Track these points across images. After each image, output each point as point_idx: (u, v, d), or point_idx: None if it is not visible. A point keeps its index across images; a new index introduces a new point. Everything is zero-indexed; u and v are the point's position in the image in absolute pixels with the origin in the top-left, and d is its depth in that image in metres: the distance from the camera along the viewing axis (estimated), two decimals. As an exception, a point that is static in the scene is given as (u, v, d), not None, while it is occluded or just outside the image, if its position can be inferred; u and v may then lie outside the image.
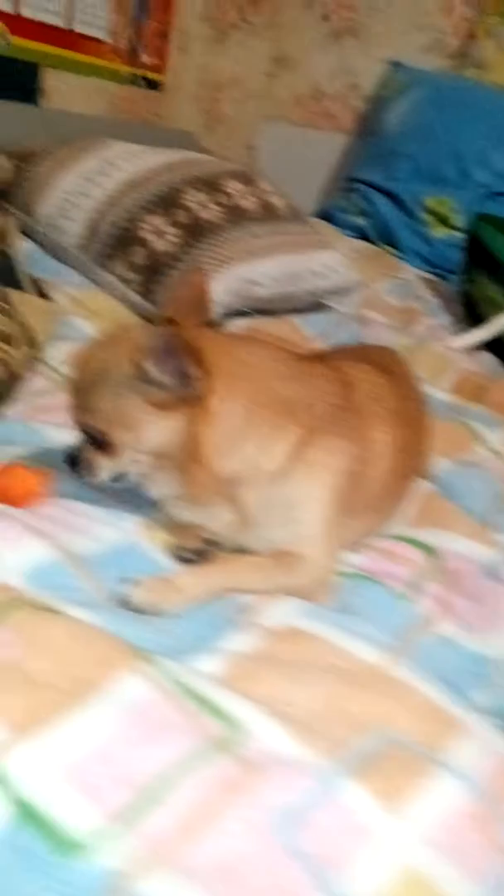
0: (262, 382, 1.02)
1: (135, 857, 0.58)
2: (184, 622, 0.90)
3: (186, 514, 1.06)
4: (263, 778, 0.65)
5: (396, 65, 3.36)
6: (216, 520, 1.05)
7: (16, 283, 1.45)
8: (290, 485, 1.02)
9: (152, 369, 0.95)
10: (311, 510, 1.03)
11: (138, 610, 0.90)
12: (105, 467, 1.03)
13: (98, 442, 1.01)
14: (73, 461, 1.05)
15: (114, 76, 3.05)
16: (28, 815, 0.60)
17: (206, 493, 1.03)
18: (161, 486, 1.05)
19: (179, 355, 0.93)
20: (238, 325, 1.98)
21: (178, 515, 1.06)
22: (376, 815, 0.66)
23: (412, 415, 1.25)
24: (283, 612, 0.93)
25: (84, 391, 1.01)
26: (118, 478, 1.04)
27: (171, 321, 0.95)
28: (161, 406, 0.97)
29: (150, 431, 0.99)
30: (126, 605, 0.90)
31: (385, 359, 1.37)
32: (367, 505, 1.13)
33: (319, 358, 1.33)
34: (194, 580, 0.95)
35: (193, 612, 0.92)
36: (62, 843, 0.59)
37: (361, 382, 1.16)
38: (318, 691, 0.78)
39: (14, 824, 0.60)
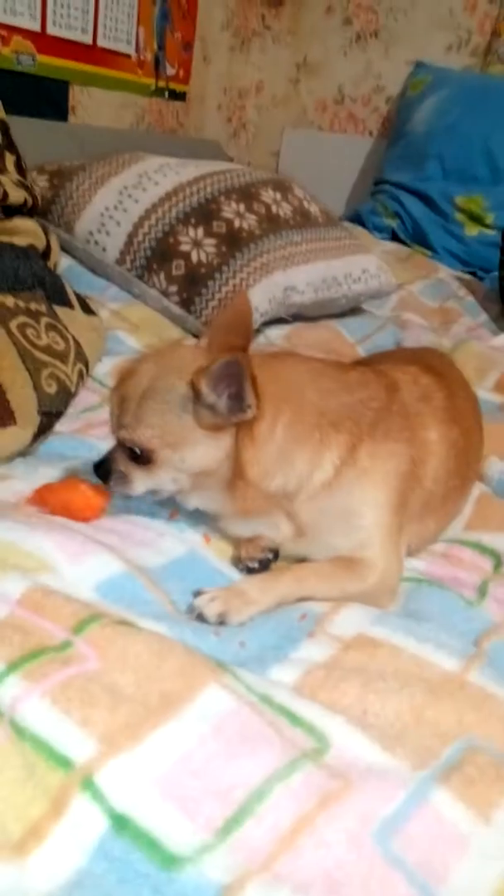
0: (306, 401, 1.03)
1: (237, 869, 0.58)
2: (256, 633, 0.90)
3: (241, 528, 1.07)
4: (357, 788, 0.65)
5: (420, 65, 3.35)
6: (273, 531, 1.05)
7: (65, 301, 1.46)
8: (344, 493, 1.02)
9: (209, 393, 0.95)
10: (370, 516, 1.03)
11: (210, 621, 0.90)
12: (141, 481, 1.03)
13: (137, 456, 1.01)
14: (106, 473, 1.04)
15: (140, 89, 3.08)
16: (123, 827, 0.61)
17: (255, 509, 1.03)
18: (199, 501, 1.05)
19: (240, 381, 0.94)
20: (278, 333, 1.98)
21: (233, 530, 1.07)
22: (470, 824, 0.65)
23: (464, 415, 1.25)
24: (352, 621, 0.93)
25: (130, 405, 1.00)
26: (152, 493, 1.04)
27: (230, 347, 0.95)
28: (211, 428, 0.98)
29: (196, 452, 0.99)
30: (198, 616, 0.90)
31: (434, 360, 1.36)
32: (428, 507, 1.13)
33: (365, 364, 1.33)
34: (263, 589, 0.96)
35: (263, 623, 0.92)
36: (163, 857, 0.59)
37: (407, 385, 1.16)
38: (399, 700, 0.77)
39: (108, 836, 0.61)
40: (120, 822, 0.61)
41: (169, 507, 1.10)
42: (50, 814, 0.61)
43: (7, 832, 0.60)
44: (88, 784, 0.63)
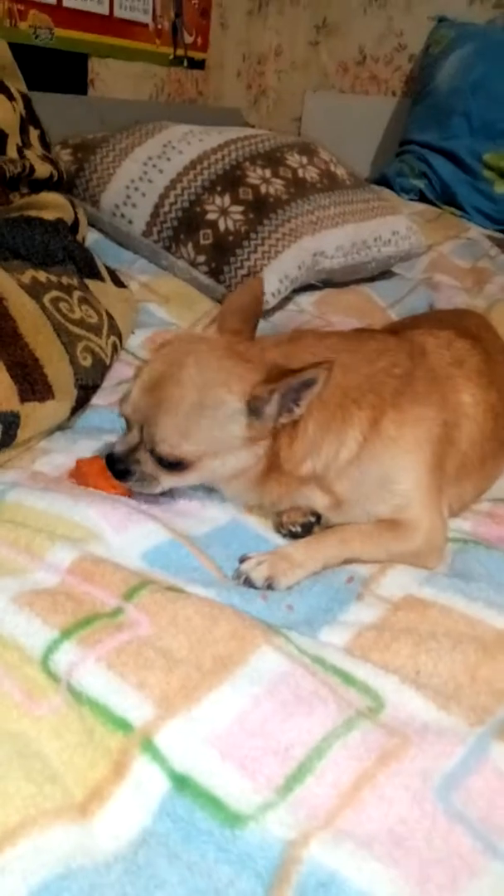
0: (330, 395, 1.00)
1: (300, 825, 0.59)
2: (303, 597, 0.90)
3: (281, 505, 1.06)
4: (415, 745, 0.65)
5: (443, 20, 3.26)
6: (312, 503, 1.05)
7: (95, 273, 1.46)
8: (375, 464, 1.01)
9: (269, 406, 0.94)
10: (405, 480, 1.02)
11: (257, 585, 0.90)
12: (168, 483, 1.00)
13: (171, 465, 0.97)
14: (125, 471, 0.99)
15: (158, 59, 3.04)
16: (184, 787, 0.62)
17: (286, 495, 1.03)
18: (227, 494, 1.05)
19: (299, 392, 0.94)
20: (308, 299, 1.96)
21: (274, 507, 1.06)
22: (530, 779, 0.65)
23: (502, 378, 1.22)
24: (399, 583, 0.93)
25: (171, 419, 0.95)
26: (171, 492, 1.02)
27: (287, 372, 0.93)
28: (258, 437, 0.97)
29: (238, 457, 0.98)
30: (245, 581, 0.91)
31: (470, 323, 1.34)
32: (465, 470, 1.11)
33: (399, 328, 1.31)
34: (309, 552, 0.95)
35: (310, 587, 0.92)
36: (226, 815, 0.60)
37: (438, 349, 1.14)
38: (452, 659, 0.77)
39: (171, 796, 0.61)
40: (181, 783, 0.62)
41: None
42: (112, 776, 0.62)
43: (70, 795, 0.61)
44: (148, 745, 0.63)
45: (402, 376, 1.06)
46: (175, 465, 0.97)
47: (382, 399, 1.02)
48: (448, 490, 1.09)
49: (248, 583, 0.91)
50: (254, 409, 0.95)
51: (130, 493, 1.03)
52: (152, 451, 0.97)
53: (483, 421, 1.13)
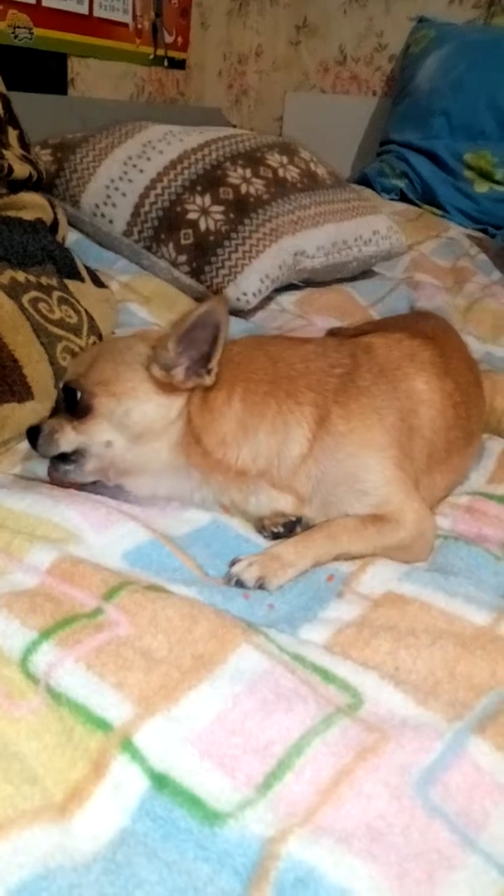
0: (259, 373, 1.02)
1: (279, 822, 0.59)
2: (284, 595, 0.90)
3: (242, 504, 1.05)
4: (394, 740, 0.66)
5: (423, 20, 3.28)
6: (275, 504, 1.04)
7: (75, 274, 1.45)
8: (333, 462, 1.01)
9: (173, 349, 0.96)
10: (372, 477, 1.01)
11: (249, 586, 0.90)
12: (70, 439, 0.99)
13: (74, 408, 0.98)
14: (34, 433, 1.02)
15: (138, 58, 3.04)
16: (163, 786, 0.62)
17: (235, 492, 1.02)
18: (147, 483, 1.02)
19: (215, 336, 0.95)
20: (290, 299, 1.97)
21: (255, 511, 1.05)
22: (508, 772, 0.65)
23: (460, 371, 1.21)
24: (380, 580, 0.93)
25: (84, 357, 1.01)
26: (79, 454, 1.00)
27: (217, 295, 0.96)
28: (162, 387, 0.98)
29: (143, 407, 0.98)
30: (238, 583, 0.90)
31: (426, 325, 1.33)
32: (433, 459, 1.11)
33: (352, 336, 1.31)
34: (298, 551, 0.95)
35: (291, 586, 0.92)
36: (205, 813, 0.60)
37: (385, 347, 1.14)
38: (431, 655, 0.77)
39: (150, 795, 0.61)
40: (160, 782, 0.62)
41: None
42: (91, 776, 0.62)
43: (49, 795, 0.61)
44: (127, 745, 0.63)
45: (342, 375, 1.06)
46: (77, 409, 0.98)
47: (325, 398, 1.02)
48: (422, 479, 1.08)
49: (240, 585, 0.90)
50: (157, 358, 0.98)
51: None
52: (62, 390, 1.01)
53: (442, 407, 1.12)
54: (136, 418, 0.99)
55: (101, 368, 1.00)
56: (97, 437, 0.99)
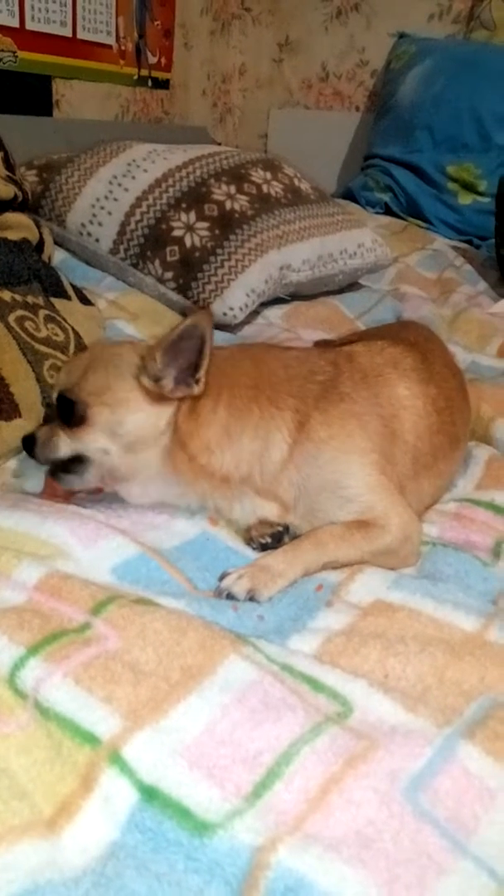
0: (242, 380, 1.04)
1: (268, 831, 0.59)
2: (273, 606, 0.90)
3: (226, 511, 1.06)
4: (383, 747, 0.66)
5: (403, 36, 3.32)
6: (261, 511, 1.05)
7: (61, 292, 1.46)
8: (314, 469, 1.01)
9: (161, 360, 0.98)
10: (355, 484, 1.02)
11: (240, 599, 0.90)
12: (66, 445, 1.01)
13: (68, 416, 1.00)
14: (30, 441, 1.04)
15: (123, 79, 3.06)
16: (152, 798, 0.62)
17: (220, 498, 1.03)
18: (140, 490, 1.03)
19: (200, 348, 0.96)
20: (277, 312, 1.98)
21: (240, 518, 1.06)
22: (497, 778, 0.65)
23: (443, 378, 1.22)
24: (368, 588, 0.93)
25: (76, 366, 1.03)
26: (80, 463, 1.01)
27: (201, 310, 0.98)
28: (152, 397, 0.99)
29: (135, 417, 0.99)
30: (228, 596, 0.90)
31: (409, 334, 1.33)
32: (419, 464, 1.11)
33: (337, 345, 1.32)
34: (287, 561, 0.95)
35: (280, 596, 0.93)
36: (195, 824, 0.60)
37: (367, 355, 1.15)
38: (420, 662, 0.78)
39: (139, 808, 0.61)
40: (149, 794, 0.62)
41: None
42: (80, 790, 0.62)
43: (38, 810, 0.61)
44: (116, 758, 0.63)
45: (324, 382, 1.06)
46: (72, 417, 1.00)
47: (305, 403, 1.03)
48: (407, 485, 1.09)
49: (231, 597, 0.90)
50: (146, 369, 0.99)
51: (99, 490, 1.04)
52: (56, 399, 1.02)
53: (426, 413, 1.12)
54: (129, 428, 1.00)
55: (94, 378, 1.01)
56: (93, 445, 1.01)
